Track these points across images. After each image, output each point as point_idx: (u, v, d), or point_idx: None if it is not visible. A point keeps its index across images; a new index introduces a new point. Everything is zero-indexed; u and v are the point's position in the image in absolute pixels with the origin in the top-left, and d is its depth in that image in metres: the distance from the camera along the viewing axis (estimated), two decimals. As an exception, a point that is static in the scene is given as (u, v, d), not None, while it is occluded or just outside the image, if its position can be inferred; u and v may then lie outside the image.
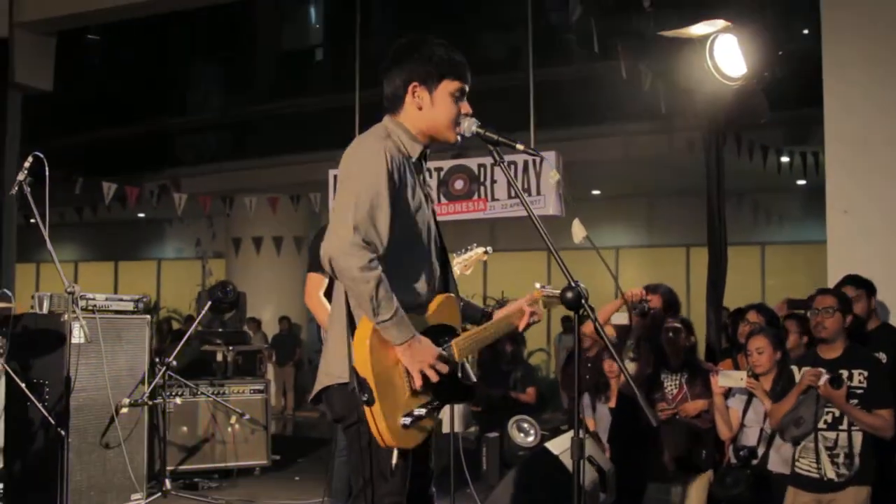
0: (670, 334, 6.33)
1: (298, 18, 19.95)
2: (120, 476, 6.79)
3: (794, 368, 5.37)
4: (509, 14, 13.72)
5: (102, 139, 18.57)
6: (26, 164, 5.85)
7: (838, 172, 7.21)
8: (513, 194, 9.06)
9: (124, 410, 6.78)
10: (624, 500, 6.05)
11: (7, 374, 6.33)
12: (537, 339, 16.85)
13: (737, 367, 6.39)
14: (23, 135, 11.66)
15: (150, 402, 7.13)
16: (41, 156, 5.87)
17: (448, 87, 3.29)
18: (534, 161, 8.80)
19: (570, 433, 3.14)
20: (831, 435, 5.07)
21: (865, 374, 5.11)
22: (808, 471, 5.12)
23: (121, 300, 7.10)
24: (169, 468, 7.64)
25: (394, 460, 3.10)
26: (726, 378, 5.83)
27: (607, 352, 7.37)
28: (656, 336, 6.42)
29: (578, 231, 3.25)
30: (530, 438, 7.82)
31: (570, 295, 3.13)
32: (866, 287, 6.01)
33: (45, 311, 6.67)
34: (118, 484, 6.80)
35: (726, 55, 7.06)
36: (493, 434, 8.03)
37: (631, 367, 6.80)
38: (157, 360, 7.49)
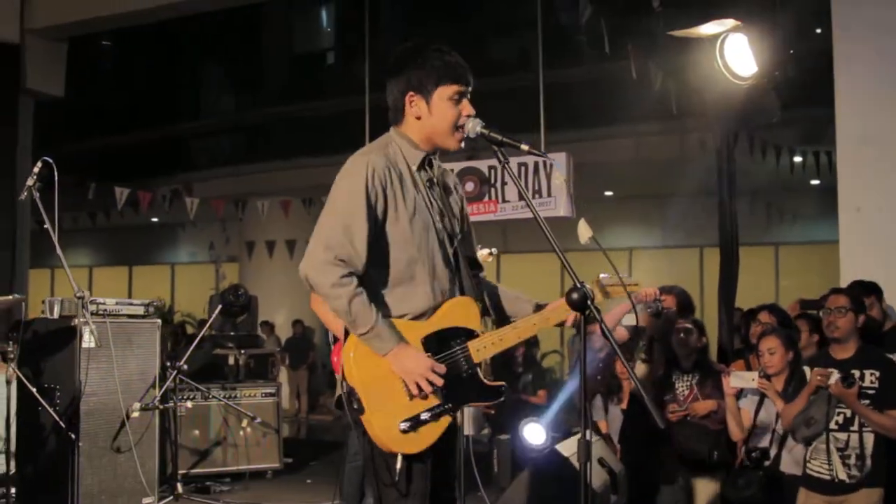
0: (681, 335, 6.28)
1: (310, 22, 19.97)
2: (131, 480, 6.80)
3: (806, 369, 5.33)
4: (520, 15, 13.70)
5: (115, 144, 18.64)
6: (35, 170, 5.87)
7: (850, 171, 7.17)
8: (523, 195, 9.04)
9: (135, 414, 6.79)
10: (635, 502, 6.02)
11: (18, 378, 6.35)
12: (551, 341, 16.79)
13: (749, 367, 6.35)
14: (35, 141, 11.71)
15: (161, 406, 7.13)
16: (50, 161, 5.89)
17: (444, 92, 3.28)
18: (544, 163, 8.80)
19: (592, 437, 3.12)
20: (843, 436, 5.03)
21: (877, 374, 5.06)
22: (820, 472, 5.08)
23: (131, 304, 7.12)
24: (181, 472, 7.65)
25: (397, 465, 3.11)
26: (738, 379, 5.78)
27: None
28: (668, 337, 6.38)
29: (584, 232, 3.22)
30: (541, 441, 7.78)
31: (575, 296, 3.12)
32: (875, 291, 5.98)
33: (55, 315, 6.70)
34: (129, 488, 6.80)
35: (736, 54, 7.03)
36: (505, 436, 8.00)
37: (642, 368, 6.77)
38: (168, 363, 7.49)
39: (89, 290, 20.53)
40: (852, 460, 5.00)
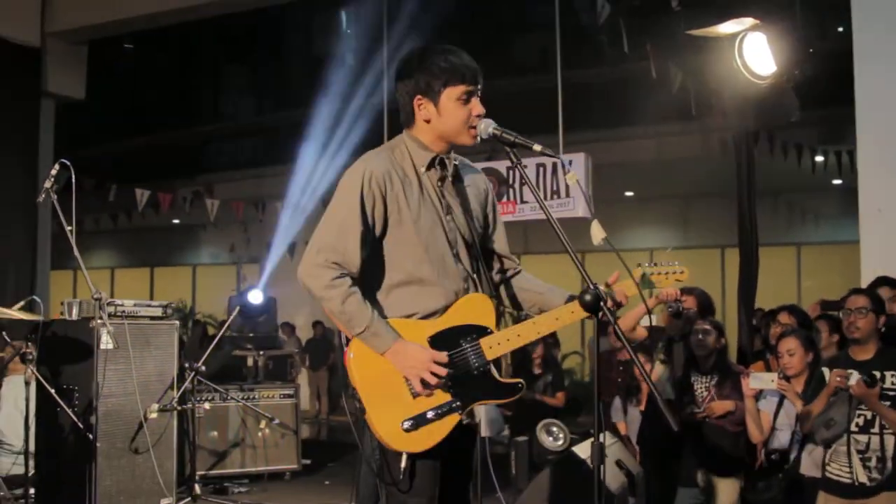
0: (700, 336, 6.25)
1: (329, 24, 19.99)
2: (149, 481, 6.81)
3: (826, 370, 5.28)
4: (540, 16, 13.69)
5: (136, 146, 18.74)
6: (52, 172, 5.91)
7: (871, 171, 7.10)
8: (542, 196, 9.03)
9: (153, 415, 6.80)
10: (653, 505, 6.00)
11: (37, 379, 6.38)
12: (572, 342, 16.75)
13: (769, 369, 6.31)
14: (56, 143, 11.77)
15: (179, 408, 7.14)
16: (67, 163, 5.91)
17: (452, 93, 3.26)
18: (568, 164, 8.77)
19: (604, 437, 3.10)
20: (863, 438, 4.97)
21: (899, 375, 5.00)
22: (840, 475, 5.02)
23: (149, 306, 7.13)
24: (198, 473, 7.66)
25: (402, 464, 3.11)
26: (757, 380, 5.73)
27: (641, 354, 7.31)
28: (688, 338, 6.35)
29: (597, 232, 3.20)
30: (559, 442, 7.76)
31: (587, 298, 3.10)
32: (896, 287, 5.91)
33: (74, 317, 6.72)
34: (147, 489, 6.81)
35: (755, 53, 6.98)
36: (522, 438, 7.98)
37: (661, 368, 6.74)
38: (186, 365, 7.50)
39: (111, 292, 20.64)
40: (873, 463, 4.94)
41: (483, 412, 6.60)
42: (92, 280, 6.23)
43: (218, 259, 22.42)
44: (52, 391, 6.32)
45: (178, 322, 7.38)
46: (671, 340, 6.51)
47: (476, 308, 3.32)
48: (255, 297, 6.86)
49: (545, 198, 9.04)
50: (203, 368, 7.45)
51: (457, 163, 3.42)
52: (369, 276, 3.24)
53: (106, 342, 6.28)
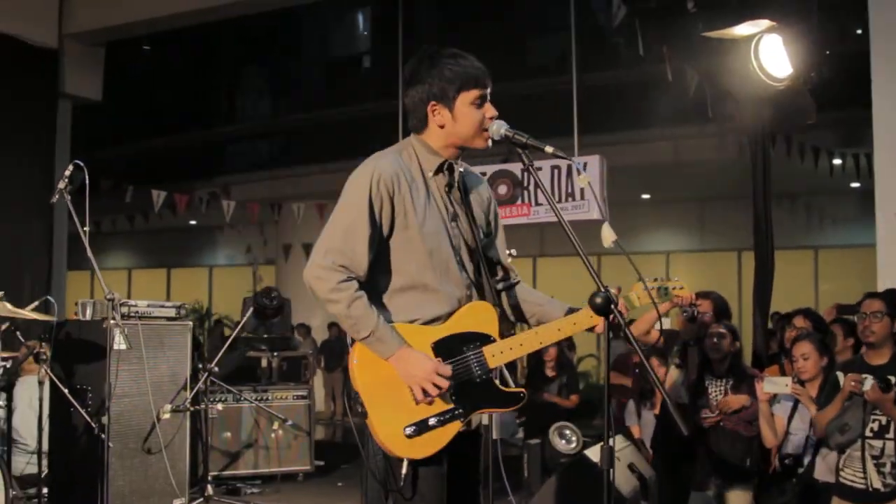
0: (715, 340, 6.21)
1: (346, 26, 20.04)
2: (162, 481, 6.81)
3: (840, 374, 5.24)
4: (557, 17, 13.66)
5: (152, 147, 18.81)
6: (66, 173, 5.92)
7: (888, 174, 7.07)
8: (557, 199, 9.01)
9: (166, 416, 6.80)
10: (666, 509, 5.96)
11: (51, 379, 6.40)
12: (587, 345, 16.71)
13: (783, 373, 6.26)
14: (73, 144, 11.83)
15: (192, 408, 7.15)
16: (81, 164, 5.92)
17: (466, 98, 3.24)
18: (580, 166, 8.74)
19: (609, 440, 3.07)
20: (878, 443, 4.93)
21: (914, 380, 4.96)
22: (854, 481, 4.98)
23: (162, 307, 7.14)
24: (211, 473, 7.66)
25: (403, 470, 3.09)
26: (771, 384, 5.70)
27: (656, 356, 7.28)
28: (703, 342, 6.32)
29: (608, 235, 3.17)
30: (572, 445, 7.74)
31: (598, 300, 3.07)
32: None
33: (88, 317, 6.74)
34: (160, 489, 6.82)
35: (771, 56, 6.95)
36: (535, 441, 7.96)
37: (675, 372, 6.71)
38: (199, 366, 7.51)
39: (128, 293, 20.72)
40: (887, 468, 4.89)
41: (495, 415, 6.60)
42: (109, 281, 6.24)
43: (234, 260, 22.49)
44: (66, 391, 6.34)
45: (191, 323, 7.39)
46: (686, 344, 6.48)
47: (479, 316, 3.31)
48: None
49: (560, 200, 9.02)
50: (216, 369, 7.45)
51: (461, 170, 3.40)
52: (372, 280, 3.20)
53: (119, 343, 6.28)
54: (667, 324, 7.67)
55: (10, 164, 10.33)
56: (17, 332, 6.68)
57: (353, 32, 20.23)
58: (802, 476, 5.48)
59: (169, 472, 6.78)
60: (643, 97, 12.65)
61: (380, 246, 3.21)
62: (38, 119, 10.94)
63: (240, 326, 8.87)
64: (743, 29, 6.96)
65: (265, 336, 9.15)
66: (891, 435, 4.90)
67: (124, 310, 6.66)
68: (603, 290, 3.07)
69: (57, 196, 5.96)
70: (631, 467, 5.91)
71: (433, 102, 3.25)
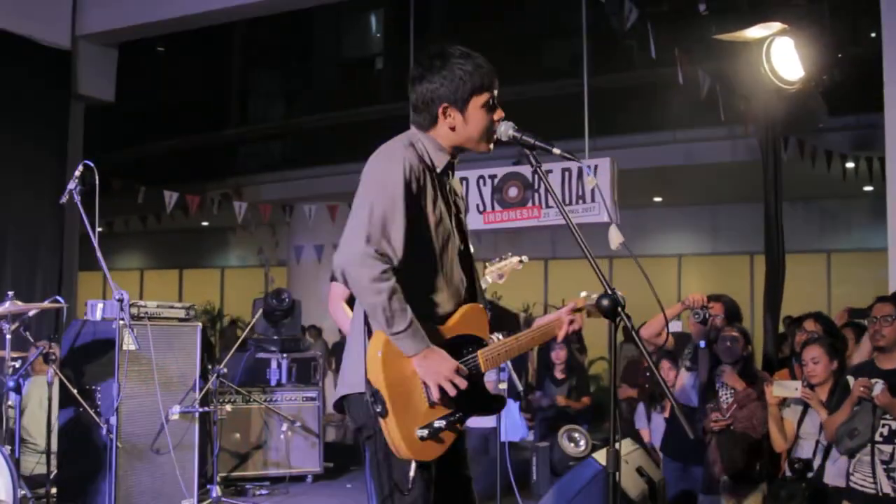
0: (727, 343, 6.20)
1: (359, 27, 20.06)
2: (170, 482, 6.82)
3: (850, 378, 5.22)
4: (570, 20, 13.65)
5: (164, 149, 18.86)
6: (76, 173, 5.94)
7: (900, 177, 7.03)
8: (567, 201, 9.00)
9: (175, 417, 6.82)
10: (675, 513, 5.94)
11: (60, 379, 6.42)
12: (599, 348, 16.67)
13: (794, 377, 6.24)
14: (85, 145, 11.87)
15: (201, 409, 7.16)
16: (91, 164, 5.94)
17: (478, 101, 3.22)
18: (588, 168, 8.72)
19: (617, 444, 3.06)
20: (888, 448, 4.91)
21: (925, 385, 4.93)
22: (864, 485, 4.96)
23: (172, 307, 7.15)
24: (220, 475, 7.66)
25: (411, 473, 3.05)
26: (781, 388, 5.68)
27: (667, 359, 7.26)
28: (714, 345, 6.30)
29: (615, 237, 3.16)
30: (580, 448, 7.72)
31: (605, 302, 3.06)
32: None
33: (97, 318, 6.75)
34: (168, 490, 6.83)
35: (783, 58, 6.94)
36: (544, 444, 7.94)
37: (686, 375, 6.69)
38: (209, 366, 7.52)
39: (140, 293, 20.73)
40: (898, 473, 4.88)
41: (504, 416, 6.59)
42: (121, 282, 6.25)
43: (246, 261, 22.51)
44: (75, 391, 6.37)
45: (200, 324, 7.40)
46: (697, 347, 6.46)
47: (474, 318, 3.31)
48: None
49: (571, 203, 9.01)
50: (225, 370, 7.46)
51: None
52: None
53: (128, 343, 6.30)
54: (679, 326, 7.66)
55: (23, 165, 10.36)
56: (27, 332, 6.72)
57: (365, 34, 20.23)
58: (812, 480, 5.45)
59: (177, 473, 6.79)
60: (655, 100, 12.62)
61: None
62: (51, 120, 10.96)
63: (249, 327, 8.88)
64: (754, 32, 6.95)
65: (275, 337, 9.15)
66: (901, 440, 4.89)
67: (134, 310, 6.68)
68: (610, 291, 3.06)
69: (67, 196, 5.97)
70: (639, 471, 5.89)
71: (445, 104, 3.22)
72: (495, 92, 3.27)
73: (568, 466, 7.36)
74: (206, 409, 7.30)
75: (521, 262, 5.17)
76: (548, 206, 9.19)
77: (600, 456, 5.68)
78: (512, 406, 8.32)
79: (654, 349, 7.54)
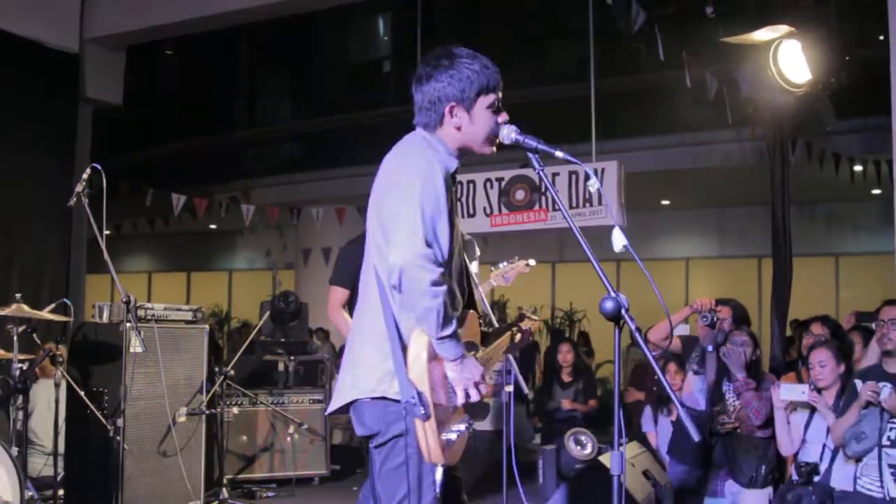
0: (734, 346, 6.20)
1: (366, 31, 20.07)
2: (177, 484, 6.83)
3: (858, 382, 5.20)
4: (576, 24, 13.66)
5: (172, 151, 18.90)
6: (84, 176, 5.94)
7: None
8: (574, 204, 8.99)
9: (181, 419, 6.83)
10: (681, 516, 5.93)
11: (67, 381, 6.43)
12: (606, 351, 16.65)
13: (801, 380, 6.22)
14: (93, 148, 11.88)
15: (208, 411, 7.17)
16: (99, 167, 5.95)
17: (485, 101, 3.21)
18: (595, 171, 8.71)
19: (623, 447, 3.06)
20: (894, 452, 4.89)
21: (932, 389, 4.91)
22: (871, 489, 4.95)
23: (179, 310, 7.16)
24: (227, 477, 7.66)
25: (438, 476, 3.05)
26: (788, 391, 5.67)
27: (674, 362, 7.26)
28: (722, 349, 6.31)
29: (618, 240, 3.16)
30: (587, 451, 7.71)
31: (608, 305, 3.05)
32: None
33: (104, 320, 6.76)
34: (175, 492, 6.83)
35: (790, 61, 6.93)
36: (550, 447, 7.93)
37: (694, 379, 6.69)
38: (216, 369, 7.53)
39: (148, 296, 20.76)
40: (904, 477, 4.86)
41: (511, 420, 6.57)
42: (129, 284, 6.28)
43: (254, 264, 22.54)
44: (82, 393, 6.38)
45: (207, 326, 7.40)
46: (705, 351, 6.46)
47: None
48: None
49: (578, 205, 8.99)
50: (232, 372, 7.46)
51: None
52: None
53: (135, 345, 6.30)
54: (686, 330, 7.66)
55: (31, 168, 10.37)
56: (35, 335, 6.73)
57: (373, 37, 20.24)
58: (819, 484, 5.44)
59: (184, 475, 6.80)
60: (662, 103, 12.60)
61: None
62: (59, 123, 10.97)
63: (256, 330, 8.89)
64: (762, 34, 6.94)
65: (282, 340, 9.17)
66: (908, 443, 4.87)
67: (141, 313, 6.69)
68: (614, 294, 3.05)
69: (74, 199, 5.98)
70: (646, 474, 5.89)
71: (452, 104, 3.21)
72: (500, 94, 3.27)
73: (574, 469, 7.36)
74: (213, 411, 7.31)
75: (527, 265, 5.19)
76: (555, 209, 9.17)
77: (606, 459, 5.68)
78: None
79: (660, 353, 7.55)
